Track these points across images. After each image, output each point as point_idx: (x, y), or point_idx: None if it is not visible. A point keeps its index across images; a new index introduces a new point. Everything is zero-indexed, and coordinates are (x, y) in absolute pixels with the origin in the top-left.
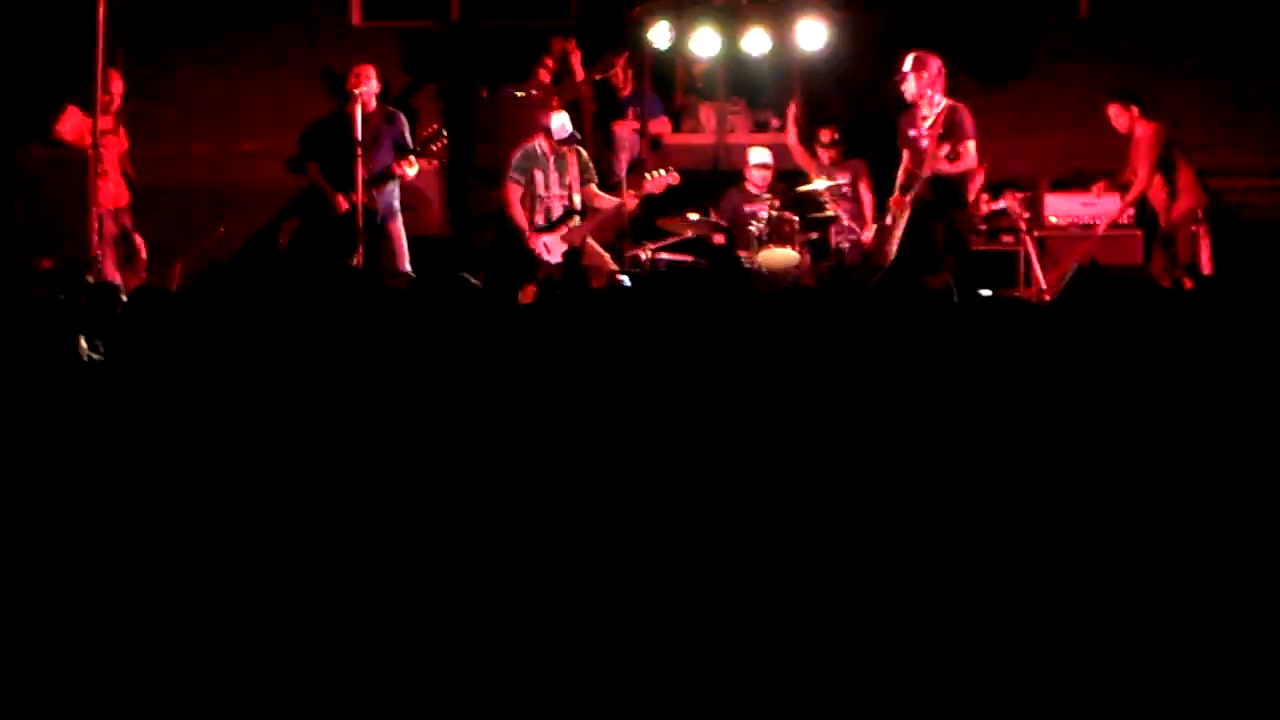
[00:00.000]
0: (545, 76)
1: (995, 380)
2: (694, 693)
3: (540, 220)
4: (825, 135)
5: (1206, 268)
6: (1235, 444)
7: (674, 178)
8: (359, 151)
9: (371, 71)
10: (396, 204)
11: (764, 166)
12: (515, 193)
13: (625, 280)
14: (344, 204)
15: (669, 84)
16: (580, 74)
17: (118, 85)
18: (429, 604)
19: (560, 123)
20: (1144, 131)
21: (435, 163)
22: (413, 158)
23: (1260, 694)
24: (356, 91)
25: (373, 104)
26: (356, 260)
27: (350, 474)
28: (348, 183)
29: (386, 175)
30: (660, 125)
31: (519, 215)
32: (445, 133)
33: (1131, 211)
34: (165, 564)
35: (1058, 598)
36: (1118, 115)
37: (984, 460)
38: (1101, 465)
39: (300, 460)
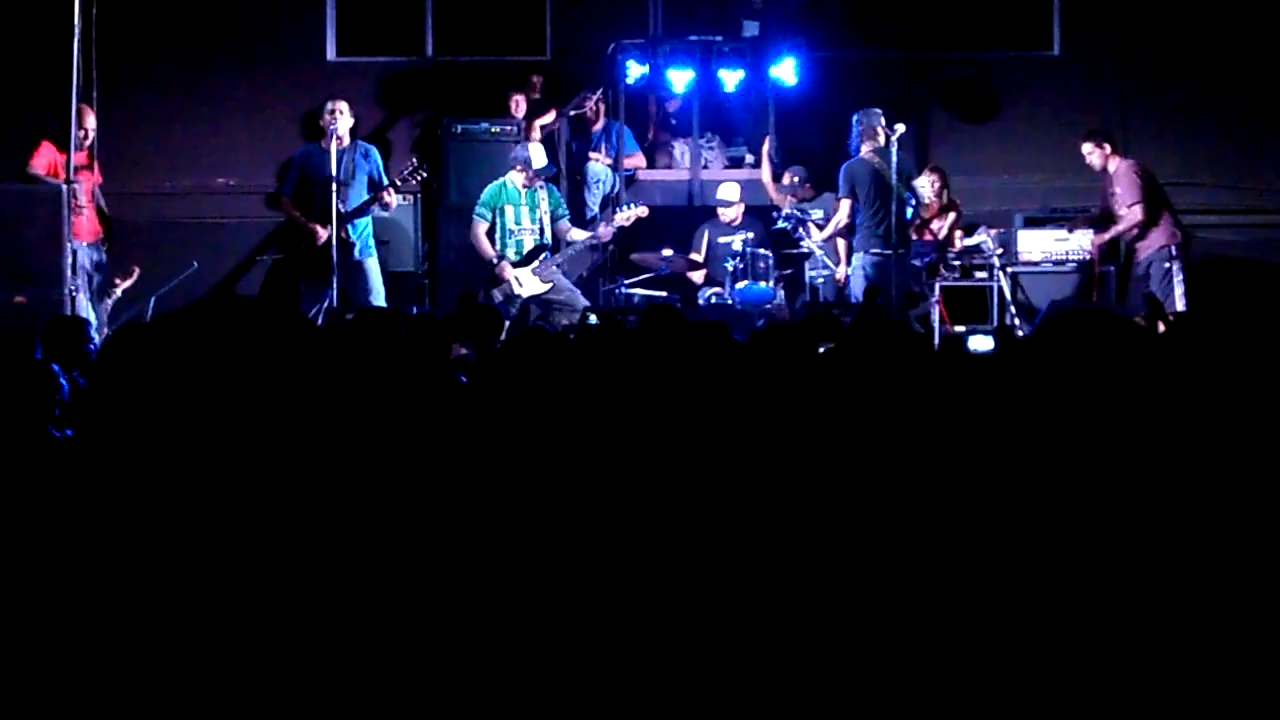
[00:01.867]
0: (518, 110)
1: (973, 415)
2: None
3: (510, 254)
4: (787, 179)
5: (1179, 305)
6: (1211, 477)
7: (643, 211)
8: (335, 187)
9: (345, 107)
10: (372, 241)
11: (728, 203)
12: (481, 227)
13: (592, 319)
14: (322, 233)
15: (643, 120)
16: (554, 110)
17: (90, 121)
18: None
19: (539, 155)
20: (1119, 167)
21: (410, 198)
22: (391, 190)
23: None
24: (332, 127)
25: (347, 139)
26: (331, 297)
27: (317, 506)
28: (323, 218)
29: (364, 210)
30: (635, 161)
31: (485, 248)
32: (425, 167)
33: (1103, 247)
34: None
35: (1033, 623)
36: (1091, 153)
37: (961, 493)
38: (1075, 499)
39: (266, 502)
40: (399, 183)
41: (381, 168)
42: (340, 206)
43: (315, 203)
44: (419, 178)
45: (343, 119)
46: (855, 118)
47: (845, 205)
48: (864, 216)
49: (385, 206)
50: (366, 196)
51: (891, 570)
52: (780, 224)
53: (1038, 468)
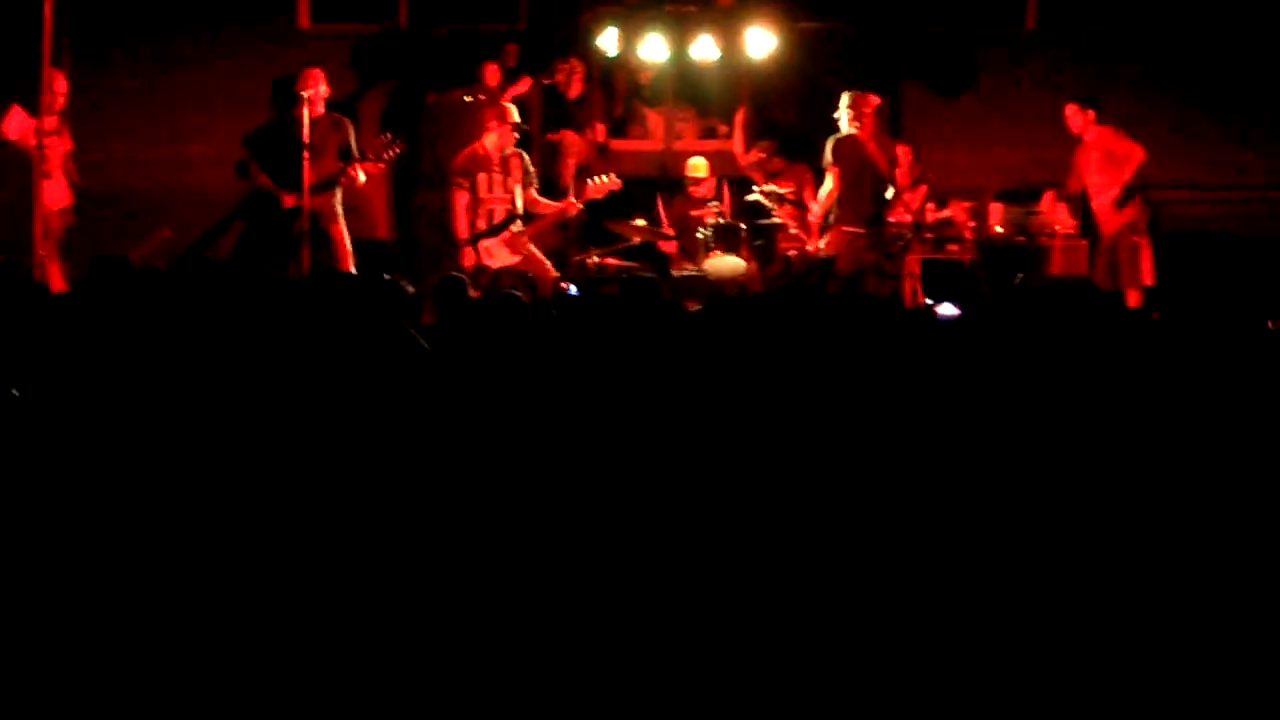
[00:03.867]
0: (492, 80)
1: (944, 384)
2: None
3: (482, 225)
4: (754, 155)
5: (1148, 279)
6: (1184, 450)
7: (616, 183)
8: (305, 155)
9: (320, 75)
10: (340, 207)
11: (697, 180)
12: (462, 199)
13: (572, 289)
14: (290, 199)
15: (615, 90)
16: (527, 79)
17: (61, 85)
18: (380, 625)
19: (513, 114)
20: (1095, 135)
21: (382, 165)
22: (360, 165)
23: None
24: (305, 94)
25: (321, 109)
26: (301, 264)
27: (293, 479)
28: (293, 187)
29: (333, 181)
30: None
31: (463, 221)
32: (400, 141)
33: (1076, 222)
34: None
35: (1026, 604)
36: (1074, 115)
37: (933, 463)
38: (1050, 471)
39: (243, 471)
40: (373, 157)
41: (354, 139)
42: (312, 176)
43: (285, 170)
44: (394, 152)
45: (317, 87)
46: (847, 98)
47: (833, 176)
48: (845, 192)
49: (352, 181)
50: (336, 168)
51: (861, 533)
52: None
53: (1004, 432)
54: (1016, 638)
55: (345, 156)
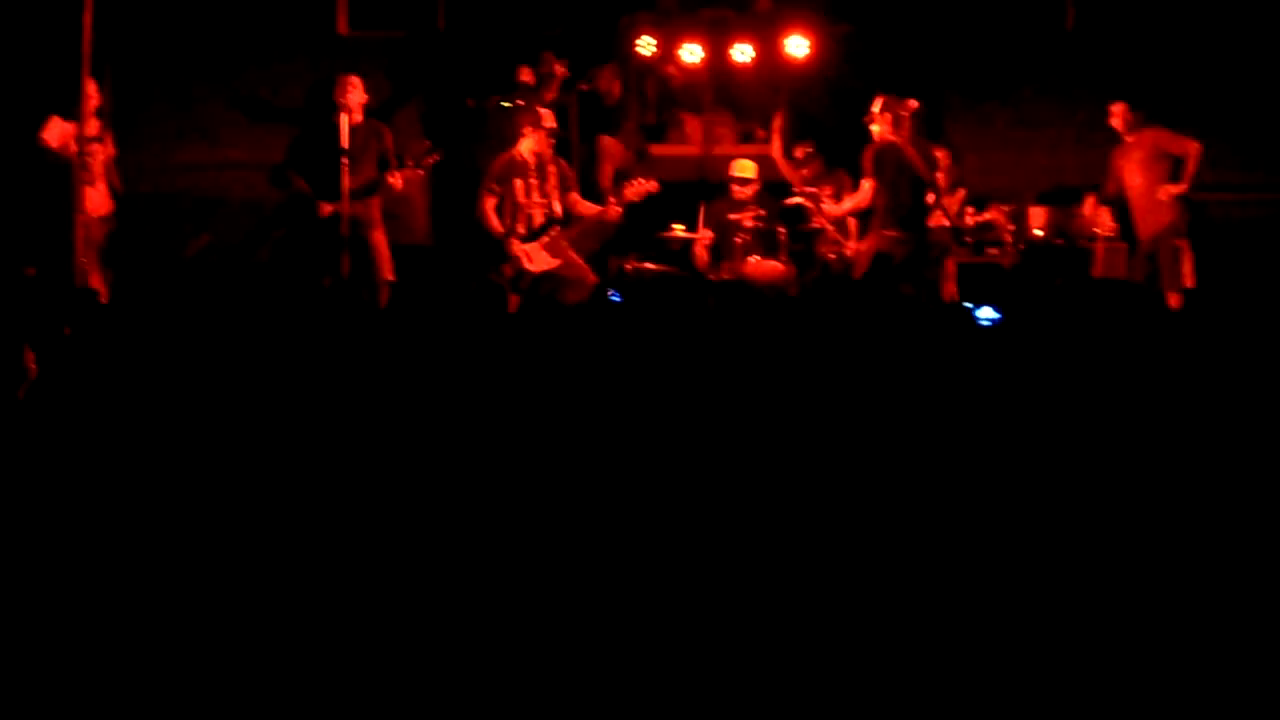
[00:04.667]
0: (527, 79)
1: (980, 385)
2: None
3: (521, 230)
4: (799, 152)
5: (1189, 281)
6: (1223, 449)
7: (653, 185)
8: (345, 162)
9: (359, 82)
10: (379, 214)
11: (746, 180)
12: (490, 202)
13: (614, 295)
14: (327, 208)
15: (652, 95)
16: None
17: (95, 93)
18: (397, 616)
19: (549, 119)
20: (1141, 136)
21: (421, 171)
22: (399, 172)
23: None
24: (344, 102)
25: (359, 115)
26: (341, 270)
27: (330, 480)
28: (332, 194)
29: (372, 188)
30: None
31: (494, 222)
32: (439, 151)
33: (1116, 225)
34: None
35: (1042, 600)
36: (1121, 114)
37: (968, 464)
38: (1089, 469)
39: (279, 470)
40: (412, 163)
41: (390, 148)
42: (351, 183)
43: (323, 177)
44: (433, 159)
45: (355, 94)
46: (880, 102)
47: (870, 183)
48: (884, 199)
49: (392, 188)
50: (374, 175)
51: (896, 534)
52: (794, 200)
53: (1040, 433)
54: (1059, 641)
55: (383, 163)
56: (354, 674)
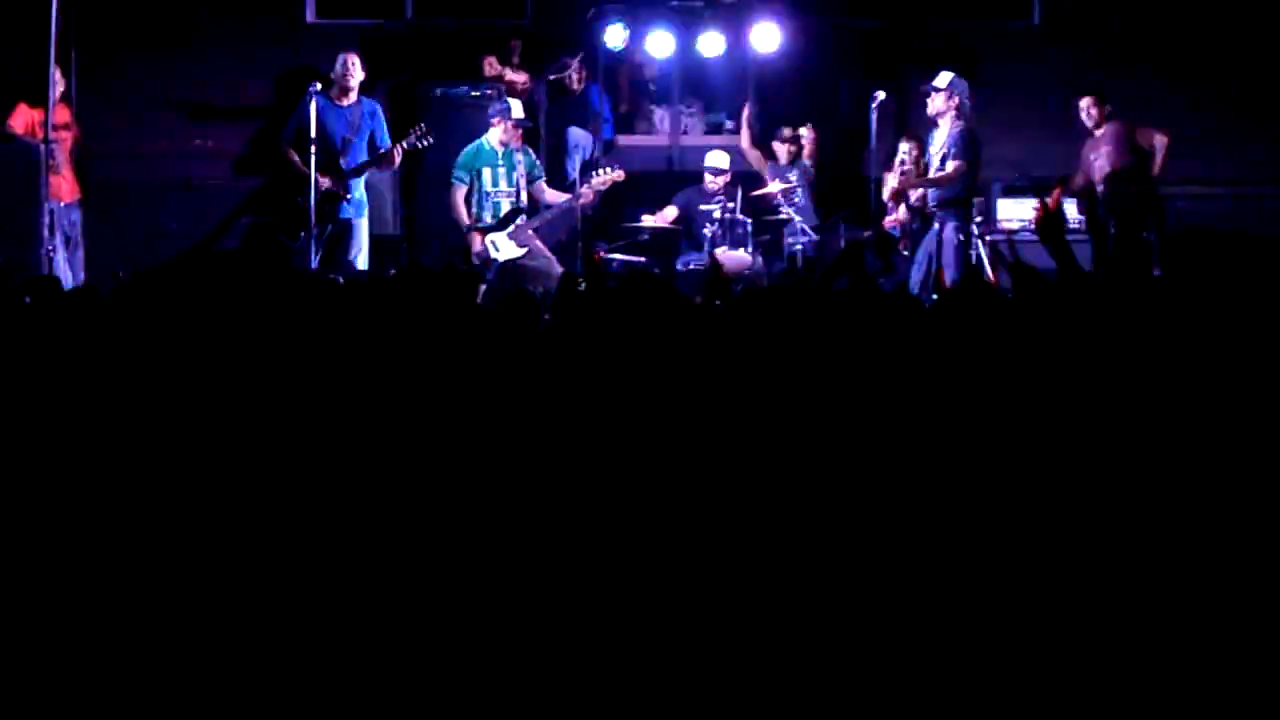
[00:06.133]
0: (491, 72)
1: (955, 379)
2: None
3: (487, 218)
4: (787, 131)
5: (1152, 274)
6: (1190, 448)
7: (619, 175)
8: (343, 141)
9: (358, 60)
10: (365, 200)
11: (719, 171)
12: (459, 192)
13: (614, 257)
14: (325, 181)
15: (621, 86)
16: (527, 74)
17: (61, 80)
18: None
19: (517, 109)
20: (1109, 129)
21: (420, 148)
22: (398, 150)
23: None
24: (346, 81)
25: (356, 95)
26: (323, 255)
27: (306, 475)
28: (322, 171)
29: (364, 168)
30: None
31: (461, 214)
32: (431, 135)
33: (1082, 216)
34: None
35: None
36: (1089, 108)
37: (949, 459)
38: (1056, 467)
39: (259, 466)
40: (405, 146)
41: (385, 129)
42: (343, 163)
43: (317, 155)
44: (424, 144)
45: (355, 73)
46: (964, 86)
47: (961, 165)
48: (966, 185)
49: (393, 162)
50: (366, 157)
51: (881, 531)
52: (780, 199)
53: (1015, 425)
54: (1060, 641)
55: (374, 147)
56: (354, 674)
